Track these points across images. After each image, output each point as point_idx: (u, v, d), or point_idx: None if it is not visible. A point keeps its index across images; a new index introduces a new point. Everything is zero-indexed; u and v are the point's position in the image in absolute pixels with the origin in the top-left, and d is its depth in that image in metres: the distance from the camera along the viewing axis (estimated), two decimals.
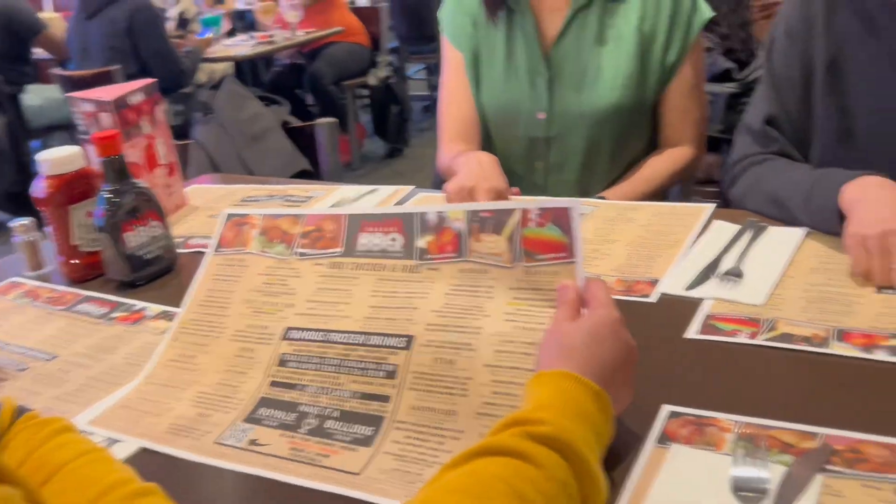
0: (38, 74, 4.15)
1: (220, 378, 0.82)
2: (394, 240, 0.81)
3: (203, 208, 1.42)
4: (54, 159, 1.13)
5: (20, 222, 1.21)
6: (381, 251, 0.82)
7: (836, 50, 1.05)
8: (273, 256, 0.89)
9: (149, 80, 1.37)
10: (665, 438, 0.66)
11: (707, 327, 0.82)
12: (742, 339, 0.79)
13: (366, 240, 0.83)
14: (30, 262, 1.22)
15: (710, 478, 0.62)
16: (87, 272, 1.17)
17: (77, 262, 1.16)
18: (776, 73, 1.14)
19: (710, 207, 1.12)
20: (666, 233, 1.08)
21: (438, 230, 0.79)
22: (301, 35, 4.25)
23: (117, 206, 1.09)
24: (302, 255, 0.87)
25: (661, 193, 1.40)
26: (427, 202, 1.30)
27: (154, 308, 1.05)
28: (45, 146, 4.76)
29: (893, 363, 0.72)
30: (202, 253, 1.20)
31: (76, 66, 3.72)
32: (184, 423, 0.78)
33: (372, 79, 4.53)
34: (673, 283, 0.92)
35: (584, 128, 1.38)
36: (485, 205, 0.77)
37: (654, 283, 0.94)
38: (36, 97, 4.11)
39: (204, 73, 4.65)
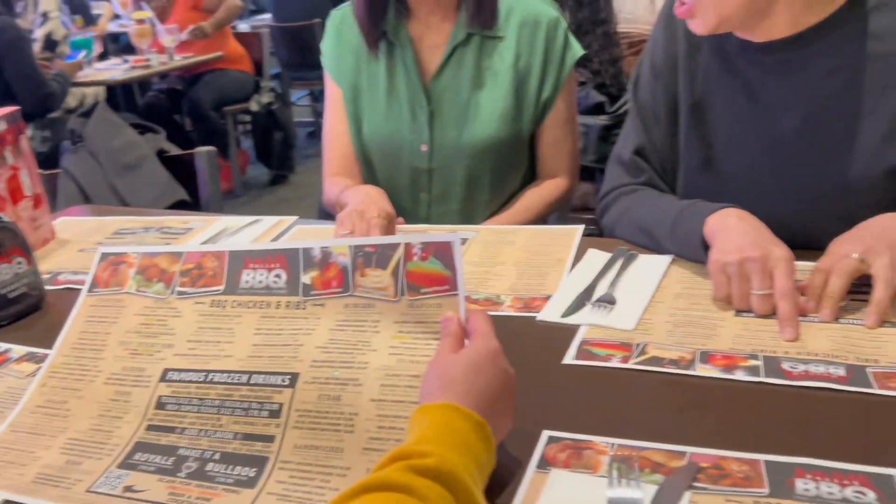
0: None
1: (92, 423, 0.79)
2: (278, 276, 0.81)
3: (73, 242, 1.36)
4: None
5: None
6: (265, 288, 0.81)
7: (698, 87, 1.13)
8: (151, 296, 0.86)
9: (11, 109, 1.30)
10: (545, 463, 0.69)
11: (583, 353, 0.86)
12: (615, 363, 0.83)
13: (249, 277, 0.82)
14: None
15: (588, 501, 0.64)
16: None
17: None
18: (642, 108, 1.20)
19: (580, 228, 1.18)
20: (547, 252, 1.13)
21: (323, 265, 0.79)
22: (179, 60, 4.13)
23: None
24: (182, 294, 0.85)
25: (539, 221, 1.45)
26: (310, 234, 1.30)
27: (19, 350, 0.99)
28: None
29: (751, 382, 0.78)
30: (72, 290, 1.16)
31: None
32: (52, 472, 0.74)
33: (254, 105, 4.46)
34: (550, 310, 0.96)
35: (464, 160, 1.41)
36: (369, 239, 0.78)
37: (547, 298, 0.99)
38: None
39: (74, 98, 4.45)
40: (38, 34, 4.41)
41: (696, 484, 0.65)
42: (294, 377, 0.75)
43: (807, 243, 0.98)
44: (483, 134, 1.39)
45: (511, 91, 1.39)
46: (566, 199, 1.51)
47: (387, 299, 0.75)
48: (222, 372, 0.78)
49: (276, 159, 4.66)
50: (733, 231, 0.95)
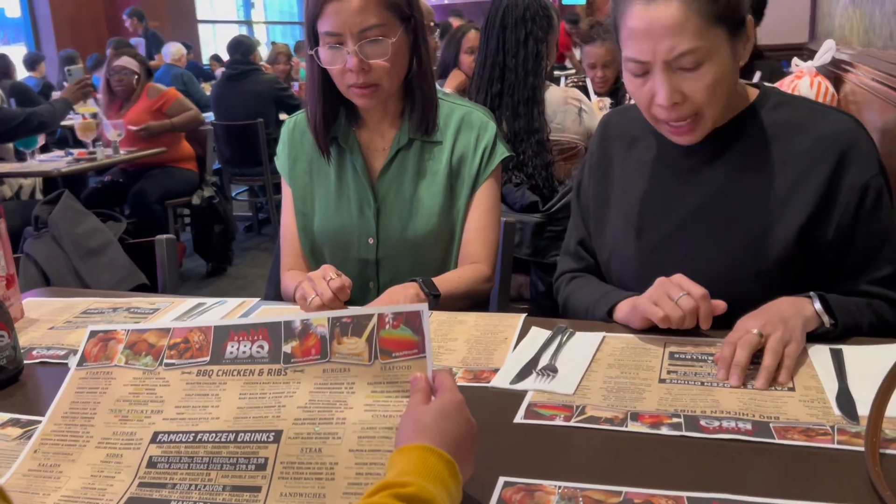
0: None
1: (85, 483, 0.85)
2: (261, 347, 0.90)
3: (42, 321, 1.42)
4: None
5: None
6: (249, 357, 0.91)
7: (630, 175, 1.35)
8: (140, 368, 0.94)
9: None
10: (503, 503, 0.79)
11: (530, 413, 0.98)
12: (559, 421, 0.95)
13: (233, 348, 0.92)
14: None
15: None
16: None
17: None
18: (583, 207, 1.44)
19: (522, 315, 1.31)
20: (494, 332, 1.25)
21: (303, 336, 0.89)
22: (124, 154, 4.22)
23: None
24: (169, 365, 0.93)
25: (467, 300, 1.50)
26: (274, 313, 1.40)
27: (2, 416, 1.05)
28: None
29: (674, 436, 0.91)
30: (47, 363, 1.23)
31: None
32: None
33: (196, 199, 4.55)
34: (500, 378, 1.08)
35: (409, 251, 1.55)
36: (345, 311, 0.89)
37: (495, 371, 1.10)
38: None
39: (10, 188, 4.47)
40: None
41: None
42: (278, 434, 0.84)
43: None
44: (425, 227, 1.54)
45: (447, 187, 1.55)
46: (487, 287, 1.57)
47: (362, 363, 0.86)
48: (210, 432, 0.86)
49: (215, 251, 4.72)
50: (636, 300, 1.20)
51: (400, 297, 1.33)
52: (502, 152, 1.59)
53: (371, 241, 1.56)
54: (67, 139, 5.37)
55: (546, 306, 2.34)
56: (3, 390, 1.13)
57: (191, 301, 1.47)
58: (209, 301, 1.46)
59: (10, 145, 4.19)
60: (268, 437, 0.84)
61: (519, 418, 0.97)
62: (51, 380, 1.15)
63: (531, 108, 2.39)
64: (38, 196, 4.44)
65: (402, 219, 1.55)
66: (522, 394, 1.03)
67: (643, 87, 1.18)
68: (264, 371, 0.89)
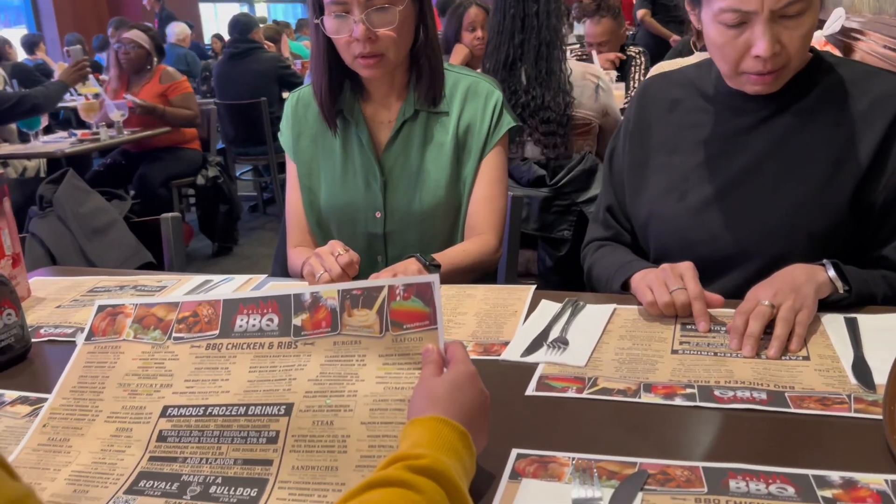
0: None
1: (95, 457, 0.85)
2: (270, 320, 0.90)
3: (49, 299, 1.42)
4: None
5: None
6: (258, 331, 0.90)
7: (671, 138, 1.34)
8: (148, 342, 0.94)
9: None
10: (516, 475, 0.78)
11: (542, 386, 0.97)
12: (571, 393, 0.94)
13: (243, 321, 0.91)
14: None
15: (556, 503, 0.74)
16: None
17: None
18: (615, 174, 1.44)
19: (532, 288, 1.30)
20: (503, 305, 1.24)
21: (313, 308, 0.88)
22: (127, 134, 4.20)
23: None
24: (178, 339, 0.92)
25: (472, 272, 1.49)
26: (280, 288, 1.38)
27: (11, 394, 1.05)
28: None
29: (688, 406, 0.90)
30: (54, 342, 1.22)
31: None
32: (60, 500, 0.79)
33: (201, 179, 4.53)
34: (511, 351, 1.07)
35: (416, 224, 1.54)
36: (355, 283, 0.88)
37: (505, 344, 1.09)
38: None
39: (14, 169, 4.46)
40: None
41: (646, 487, 0.75)
42: (289, 407, 0.83)
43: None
44: (432, 199, 1.52)
45: (454, 159, 1.53)
46: (494, 259, 1.55)
47: (373, 336, 0.85)
48: (220, 406, 0.85)
49: (221, 232, 4.71)
50: (650, 272, 1.19)
51: (406, 270, 1.32)
52: (509, 121, 1.57)
53: (378, 214, 1.55)
54: (71, 120, 5.35)
55: (554, 281, 2.33)
56: (11, 368, 1.13)
57: (198, 278, 1.46)
58: (216, 278, 1.45)
59: (14, 127, 4.17)
60: (279, 411, 0.83)
61: (531, 391, 0.96)
62: (58, 358, 1.14)
63: (552, 49, 2.39)
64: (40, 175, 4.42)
65: (408, 191, 1.54)
66: (534, 366, 1.02)
67: (737, 38, 1.15)
68: (274, 344, 0.89)
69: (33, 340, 1.21)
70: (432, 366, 0.79)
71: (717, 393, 0.92)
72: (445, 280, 1.37)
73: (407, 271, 1.31)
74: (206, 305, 0.94)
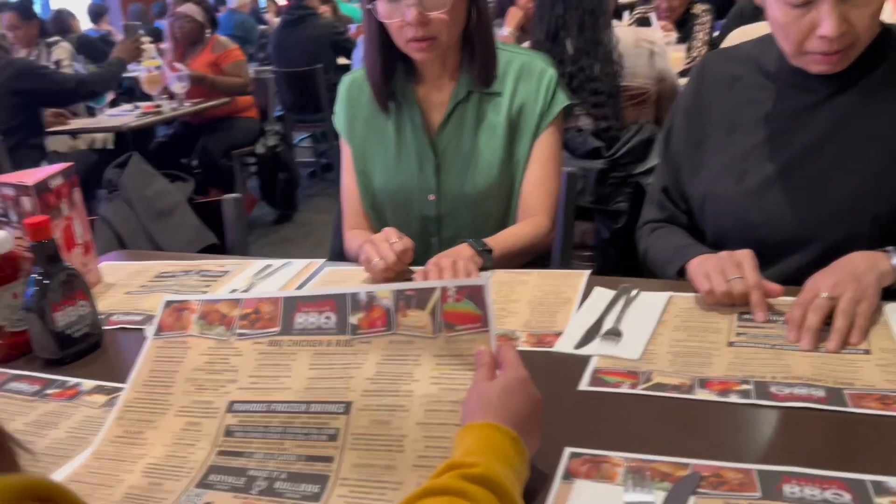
0: None
1: (168, 451, 0.89)
2: (328, 318, 0.92)
3: (118, 285, 1.48)
4: None
5: None
6: (317, 328, 0.93)
7: (729, 115, 1.31)
8: (213, 338, 0.97)
9: (65, 165, 1.42)
10: (569, 475, 0.80)
11: (595, 380, 0.98)
12: (625, 389, 0.95)
13: (301, 319, 0.94)
14: None
15: None
16: (11, 352, 1.20)
17: (1, 342, 1.20)
18: (672, 153, 1.41)
19: (586, 274, 1.30)
20: (556, 292, 1.24)
21: (368, 308, 0.90)
22: (188, 105, 4.28)
23: (47, 287, 1.14)
24: (241, 335, 0.96)
25: (524, 256, 1.49)
26: (340, 274, 1.42)
27: (88, 383, 1.10)
28: None
29: (743, 404, 0.89)
30: (125, 329, 1.27)
31: None
32: (137, 492, 0.84)
33: (260, 148, 4.61)
34: (564, 343, 1.07)
35: (469, 206, 1.54)
36: (409, 284, 0.90)
37: (558, 334, 1.10)
38: None
39: (84, 141, 4.59)
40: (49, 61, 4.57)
41: (699, 490, 0.76)
42: (348, 405, 0.86)
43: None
44: (485, 181, 1.52)
45: (507, 139, 1.53)
46: (547, 241, 1.55)
47: (426, 336, 0.87)
48: (283, 402, 0.89)
49: (281, 199, 4.80)
50: (707, 258, 1.18)
51: (459, 255, 1.33)
52: (563, 100, 1.55)
53: (431, 197, 1.56)
54: (134, 90, 5.46)
55: (610, 254, 2.31)
56: (86, 357, 1.19)
57: (259, 263, 1.50)
58: (276, 262, 1.49)
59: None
60: (338, 409, 0.86)
61: (584, 385, 0.97)
62: (130, 346, 1.20)
63: (597, 18, 2.33)
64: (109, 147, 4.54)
65: (461, 173, 1.54)
66: (587, 359, 1.03)
67: (802, 17, 1.12)
68: (332, 342, 0.91)
69: (105, 328, 1.27)
70: (484, 369, 0.81)
71: (773, 390, 0.91)
72: (498, 264, 1.38)
73: (460, 256, 1.32)
74: (268, 302, 0.97)
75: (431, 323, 0.87)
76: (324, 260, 1.49)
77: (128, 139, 4.18)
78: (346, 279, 1.39)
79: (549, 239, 1.55)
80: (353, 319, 0.91)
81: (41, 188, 1.34)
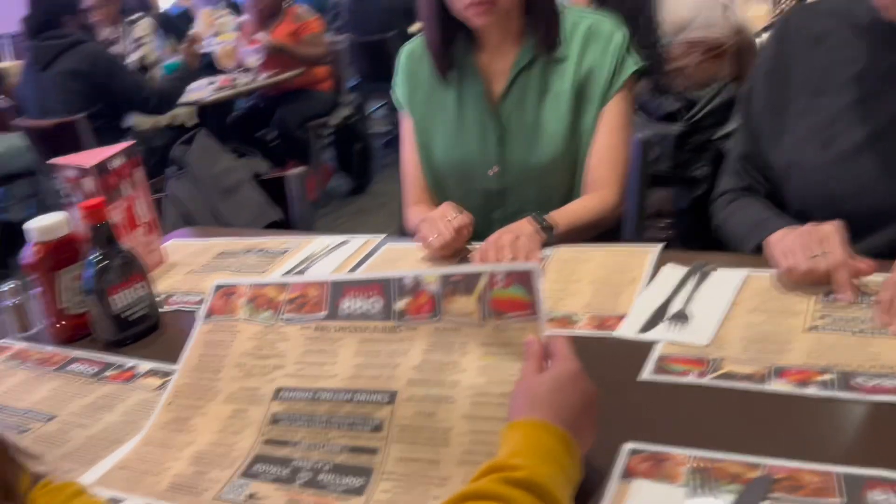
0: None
1: (215, 438, 0.88)
2: (374, 303, 0.89)
3: (181, 264, 1.48)
4: (42, 227, 1.18)
5: (8, 286, 1.26)
6: (363, 314, 0.89)
7: (815, 78, 1.21)
8: (260, 323, 0.95)
9: (128, 144, 1.43)
10: (627, 474, 0.74)
11: (659, 368, 0.91)
12: (691, 378, 0.88)
13: (348, 303, 0.90)
14: (18, 325, 1.26)
15: None
16: (73, 333, 1.22)
17: (64, 323, 1.21)
18: (752, 117, 1.31)
19: (656, 249, 1.22)
20: (623, 270, 1.17)
21: (415, 293, 0.86)
22: (263, 78, 4.31)
23: (104, 270, 1.15)
24: (288, 320, 0.93)
25: (586, 232, 1.41)
26: (398, 252, 1.38)
27: (144, 365, 1.11)
28: (8, 193, 4.74)
29: (823, 397, 0.81)
30: (183, 311, 1.27)
31: (33, 115, 3.75)
32: (183, 480, 0.83)
33: (335, 119, 4.62)
34: (627, 327, 1.01)
35: (534, 178, 1.47)
36: (456, 269, 0.85)
37: (621, 317, 1.03)
38: None
39: (166, 118, 4.69)
40: (132, 59, 4.67)
41: (772, 494, 0.69)
42: (393, 395, 0.82)
43: None
44: (550, 152, 1.45)
45: (573, 108, 1.44)
46: (614, 215, 1.47)
47: (473, 324, 0.82)
48: (328, 390, 0.86)
49: (356, 170, 4.81)
50: (790, 233, 1.08)
51: (519, 232, 1.26)
52: (633, 63, 1.46)
53: (494, 170, 1.50)
54: (211, 64, 5.55)
55: (688, 224, 2.20)
56: (145, 338, 1.19)
57: (319, 240, 1.48)
58: (334, 240, 1.46)
59: (159, 75, 4.37)
60: (383, 398, 0.83)
61: (646, 374, 0.90)
62: (186, 328, 1.18)
63: None
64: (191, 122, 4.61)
65: (525, 145, 1.47)
66: (651, 345, 0.96)
67: None
68: (378, 328, 0.88)
69: (165, 309, 1.27)
70: (533, 360, 0.75)
71: (858, 381, 0.83)
72: (562, 240, 1.32)
73: (521, 232, 1.26)
74: (315, 286, 0.94)
75: (479, 310, 0.82)
76: (383, 236, 1.45)
77: (209, 114, 4.25)
78: (403, 257, 1.35)
79: (616, 213, 1.47)
80: (400, 305, 0.87)
81: (102, 169, 1.35)
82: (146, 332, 1.20)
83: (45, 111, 3.66)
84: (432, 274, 0.85)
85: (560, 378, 0.72)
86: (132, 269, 1.18)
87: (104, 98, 3.54)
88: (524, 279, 0.79)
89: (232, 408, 0.90)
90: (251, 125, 4.64)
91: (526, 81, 1.46)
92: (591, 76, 1.45)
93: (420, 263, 1.31)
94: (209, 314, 1.00)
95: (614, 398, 0.84)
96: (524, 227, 1.29)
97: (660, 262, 1.17)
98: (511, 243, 1.20)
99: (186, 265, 1.47)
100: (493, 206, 1.53)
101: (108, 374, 1.10)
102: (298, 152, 4.58)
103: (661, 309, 1.03)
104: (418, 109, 1.57)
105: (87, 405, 1.02)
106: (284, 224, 1.78)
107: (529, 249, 1.21)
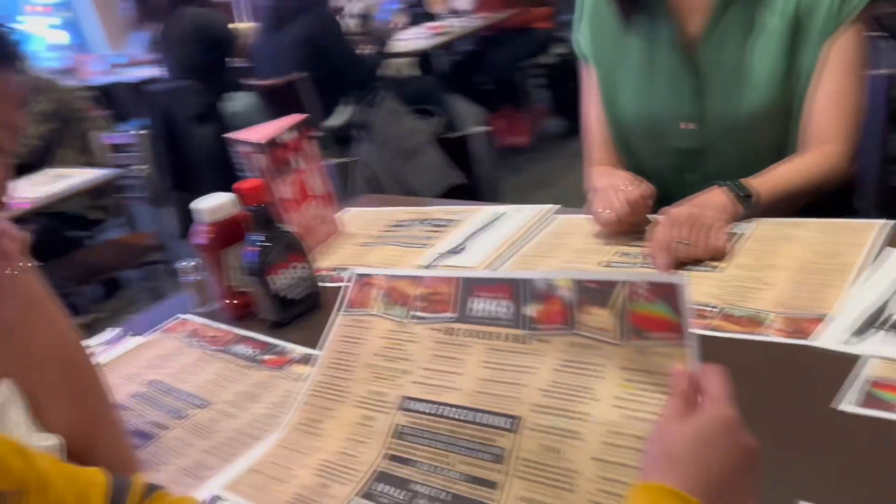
0: (236, 82, 4.47)
1: (341, 445, 0.84)
2: (504, 307, 0.78)
3: (357, 235, 1.46)
4: (209, 208, 1.20)
5: (188, 263, 1.31)
6: (492, 318, 0.79)
7: None
8: (393, 319, 0.89)
9: (300, 116, 1.41)
10: None
11: (867, 397, 0.71)
12: None
13: (477, 305, 0.81)
14: (197, 300, 1.31)
15: None
16: (244, 311, 1.23)
17: (235, 301, 1.24)
18: None
19: (885, 224, 0.97)
20: (834, 253, 0.96)
21: (546, 298, 0.74)
22: (477, 22, 4.23)
23: (263, 251, 1.14)
24: (419, 318, 0.86)
25: (800, 199, 1.19)
26: (570, 225, 1.25)
27: (298, 351, 1.09)
28: None
29: None
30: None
31: (264, 74, 3.97)
32: (306, 493, 0.80)
33: (550, 57, 4.44)
34: (829, 334, 0.81)
35: (737, 135, 1.25)
36: (591, 274, 0.72)
37: (823, 319, 0.83)
38: (235, 104, 4.45)
39: (391, 69, 4.79)
40: (354, 10, 4.79)
41: None
42: (516, 421, 0.72)
43: None
44: (759, 103, 1.22)
45: (787, 48, 1.19)
46: (839, 176, 1.21)
47: (611, 342, 0.69)
48: (451, 406, 0.78)
49: (572, 111, 4.61)
50: None
51: (705, 204, 1.07)
52: None
53: (690, 125, 1.30)
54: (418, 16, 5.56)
55: None
56: (302, 319, 1.18)
57: (488, 210, 1.39)
58: (506, 209, 1.36)
59: (374, 27, 4.44)
60: (506, 424, 0.73)
61: (847, 403, 0.71)
62: None
63: None
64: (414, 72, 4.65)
65: (727, 94, 1.25)
66: (858, 362, 0.76)
67: None
68: (507, 336, 0.77)
69: (330, 284, 1.25)
70: (678, 401, 0.61)
71: None
72: (769, 210, 1.11)
73: (708, 205, 1.07)
74: (446, 283, 0.85)
75: (617, 325, 0.68)
76: (556, 207, 1.32)
77: (429, 62, 4.26)
78: (574, 231, 1.22)
79: (841, 173, 1.21)
80: (530, 311, 0.76)
81: (272, 144, 1.34)
82: (307, 311, 1.19)
83: (275, 71, 3.88)
84: (565, 277, 0.73)
85: (707, 430, 0.57)
86: (292, 249, 1.17)
87: (325, 64, 3.65)
88: (669, 294, 0.64)
89: (360, 413, 0.85)
90: (466, 71, 4.61)
91: (728, 18, 1.23)
92: (811, 6, 1.19)
93: (592, 239, 1.17)
94: (348, 306, 0.96)
95: (794, 434, 0.67)
96: (714, 198, 1.10)
97: (888, 244, 0.94)
98: (688, 221, 1.02)
99: (360, 236, 1.45)
100: (687, 167, 1.33)
101: (265, 357, 1.10)
102: (514, 96, 4.49)
103: (879, 311, 0.81)
104: (603, 58, 1.39)
105: (240, 393, 1.03)
106: (465, 188, 1.71)
107: (714, 228, 1.02)
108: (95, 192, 3.54)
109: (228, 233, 1.21)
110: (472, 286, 0.82)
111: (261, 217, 1.15)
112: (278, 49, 3.81)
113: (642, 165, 1.36)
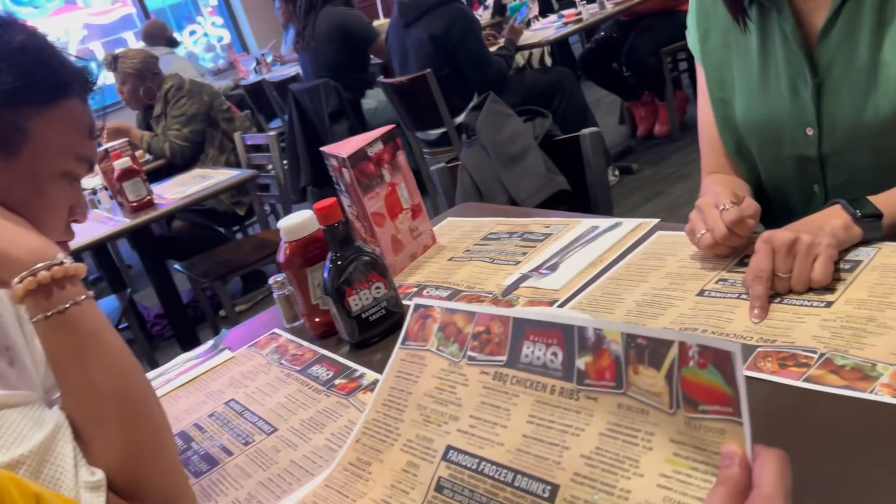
0: (372, 80, 4.55)
1: (386, 493, 0.80)
2: (554, 354, 0.71)
3: (447, 248, 1.41)
4: (290, 226, 1.19)
5: (278, 278, 1.31)
6: (542, 366, 0.72)
7: None
8: (447, 357, 0.83)
9: (388, 128, 1.38)
10: None
11: None
12: None
13: (528, 350, 0.74)
14: (286, 315, 1.31)
15: None
16: (327, 329, 1.22)
17: (318, 319, 1.22)
18: None
19: None
20: None
21: (596, 350, 0.66)
22: (610, 8, 4.06)
23: (340, 271, 1.12)
24: (471, 359, 0.80)
25: None
26: (668, 244, 1.13)
27: (369, 376, 1.07)
28: None
29: None
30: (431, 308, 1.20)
31: (396, 71, 4.00)
32: None
33: None
34: None
35: (867, 141, 1.09)
36: (641, 329, 0.62)
37: None
38: (372, 101, 4.52)
39: (522, 57, 4.71)
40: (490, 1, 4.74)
41: None
42: (554, 490, 0.64)
43: None
44: (892, 106, 1.05)
45: None
46: None
47: (662, 409, 0.60)
48: (493, 464, 0.71)
49: None
50: None
51: (814, 228, 0.93)
52: None
53: (810, 131, 1.15)
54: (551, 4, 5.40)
55: None
56: (383, 341, 1.14)
57: (586, 223, 1.29)
58: (603, 223, 1.26)
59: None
60: (544, 492, 0.65)
61: None
62: None
63: None
64: (544, 63, 4.55)
65: (855, 97, 1.10)
66: None
67: None
68: (556, 389, 0.70)
69: (417, 301, 1.21)
70: (728, 486, 0.51)
71: None
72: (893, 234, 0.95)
73: (821, 228, 0.93)
74: (499, 322, 0.79)
75: (668, 391, 0.59)
76: (655, 221, 1.21)
77: (565, 51, 4.13)
78: (672, 251, 1.10)
79: None
80: (581, 363, 0.68)
81: (359, 157, 1.32)
82: (387, 333, 1.16)
83: (404, 67, 3.89)
84: (615, 329, 0.64)
85: None
86: (371, 269, 1.14)
87: (452, 62, 3.61)
88: (722, 362, 0.55)
89: (406, 459, 0.81)
90: (604, 58, 4.44)
91: (855, 12, 1.07)
92: None
93: (690, 262, 1.06)
94: (406, 339, 0.91)
95: None
96: (829, 220, 0.95)
97: None
98: (786, 247, 0.89)
99: (451, 249, 1.40)
100: (811, 177, 1.18)
101: (337, 381, 1.08)
102: (653, 83, 4.27)
103: None
104: (714, 57, 1.26)
105: (306, 421, 1.01)
106: (571, 196, 1.61)
107: (822, 258, 0.89)
108: (237, 189, 3.71)
109: (311, 251, 1.20)
110: (525, 327, 0.75)
111: (337, 236, 1.12)
112: (409, 45, 3.82)
113: (758, 176, 1.22)
